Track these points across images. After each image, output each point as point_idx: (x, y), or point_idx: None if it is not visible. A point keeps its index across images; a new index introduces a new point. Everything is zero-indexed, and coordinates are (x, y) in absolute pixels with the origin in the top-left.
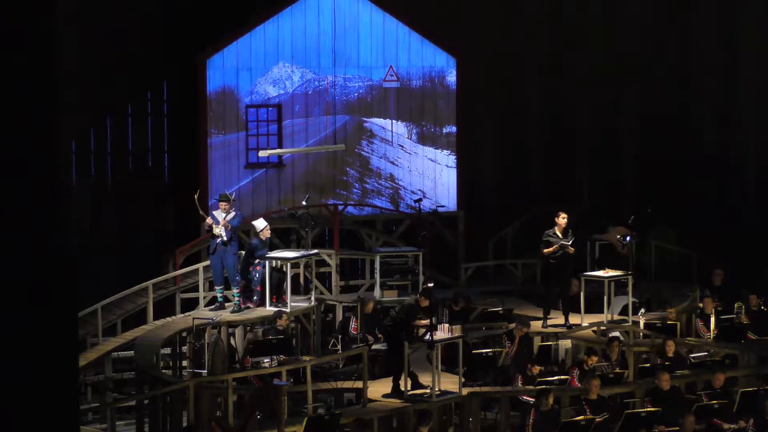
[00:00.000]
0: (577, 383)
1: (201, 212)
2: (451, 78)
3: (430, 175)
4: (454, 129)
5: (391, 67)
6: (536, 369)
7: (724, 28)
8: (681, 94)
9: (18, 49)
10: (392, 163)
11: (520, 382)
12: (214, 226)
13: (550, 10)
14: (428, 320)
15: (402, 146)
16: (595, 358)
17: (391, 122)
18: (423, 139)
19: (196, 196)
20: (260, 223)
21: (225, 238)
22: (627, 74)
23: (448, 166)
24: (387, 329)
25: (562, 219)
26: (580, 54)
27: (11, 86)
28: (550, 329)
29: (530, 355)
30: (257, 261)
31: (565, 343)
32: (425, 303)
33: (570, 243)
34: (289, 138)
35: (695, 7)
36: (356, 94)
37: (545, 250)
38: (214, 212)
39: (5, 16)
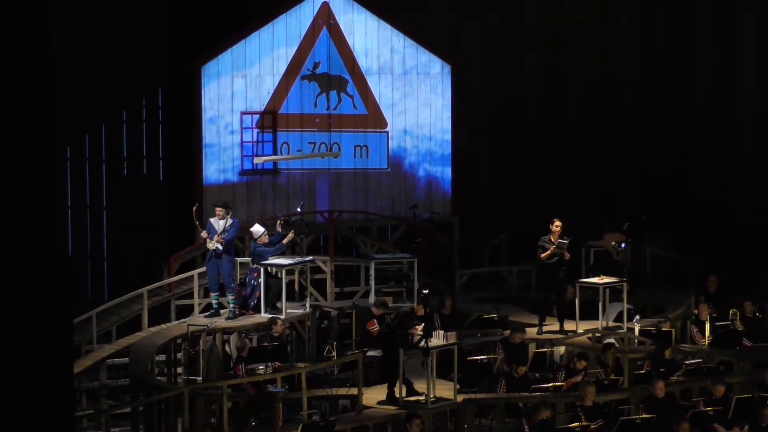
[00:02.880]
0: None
1: (197, 224)
2: (446, 84)
3: (426, 181)
4: (449, 135)
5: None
6: (522, 369)
7: (723, 34)
8: (677, 103)
9: (13, 56)
10: (388, 169)
11: (503, 387)
12: (208, 240)
13: (546, 18)
14: (422, 327)
15: (397, 152)
16: (584, 363)
17: (387, 129)
18: (419, 146)
19: (194, 209)
20: (258, 229)
21: (218, 252)
22: (623, 81)
23: (443, 173)
24: (381, 336)
25: (556, 227)
26: (576, 62)
27: (7, 95)
28: (545, 336)
29: (524, 361)
30: (255, 267)
31: (559, 350)
32: (421, 312)
33: (567, 243)
34: (284, 145)
35: (695, 8)
36: (351, 101)
37: (542, 255)
38: (210, 219)
39: (1, 25)
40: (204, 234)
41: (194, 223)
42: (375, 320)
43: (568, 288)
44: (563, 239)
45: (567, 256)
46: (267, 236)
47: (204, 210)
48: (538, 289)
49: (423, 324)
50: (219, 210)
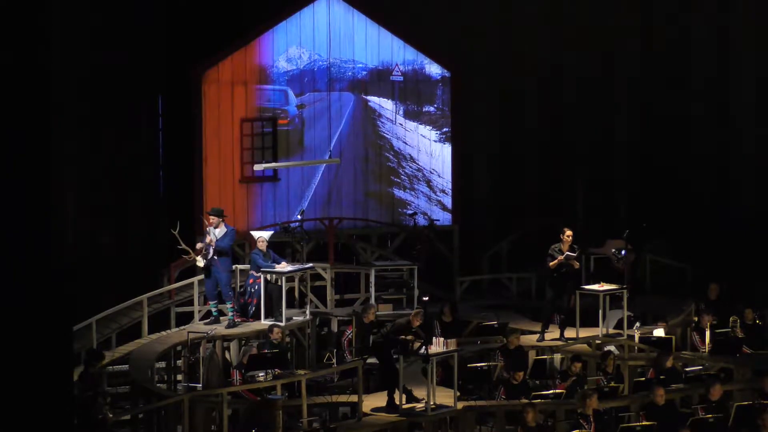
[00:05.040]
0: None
1: (183, 246)
2: (446, 91)
3: (425, 187)
4: (448, 141)
5: (397, 64)
6: (519, 375)
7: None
8: (678, 110)
9: (15, 64)
10: (389, 177)
11: (502, 395)
12: (197, 258)
13: (546, 30)
14: (421, 336)
15: (397, 161)
16: (578, 365)
17: (386, 136)
18: (419, 152)
19: (175, 232)
20: (257, 234)
21: (210, 261)
22: (624, 89)
23: (441, 177)
24: (376, 345)
25: (567, 236)
26: (576, 70)
27: (7, 102)
28: (545, 343)
29: (524, 368)
30: (253, 274)
31: (558, 357)
32: (417, 323)
33: (575, 255)
34: (285, 152)
35: (695, 7)
36: (351, 108)
37: (550, 264)
38: (208, 228)
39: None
40: (191, 251)
41: (182, 247)
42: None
43: (571, 296)
44: (571, 251)
45: (576, 265)
46: (265, 243)
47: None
48: (544, 297)
49: (422, 340)
50: (212, 219)
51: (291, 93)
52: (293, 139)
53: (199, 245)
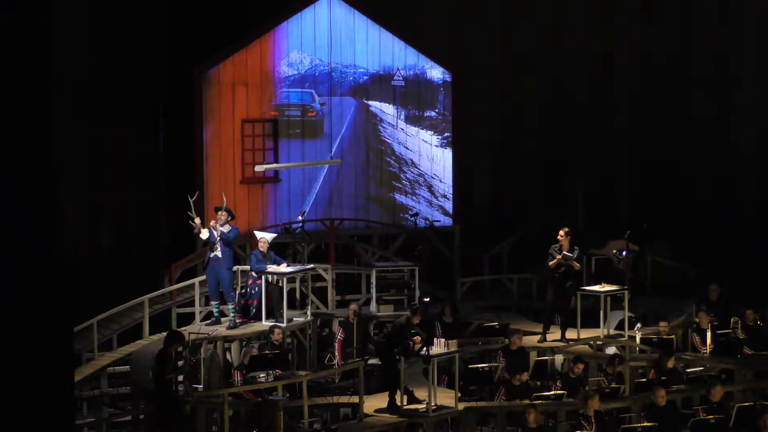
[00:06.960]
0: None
1: (193, 214)
2: (447, 96)
3: (426, 192)
4: (450, 142)
5: (398, 69)
6: (524, 376)
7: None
8: (679, 111)
9: (12, 65)
10: (390, 182)
11: (502, 396)
12: (201, 230)
13: (547, 33)
14: (423, 336)
15: (399, 166)
16: (581, 366)
17: (388, 140)
18: (420, 159)
19: (192, 200)
20: (259, 234)
21: (212, 240)
22: (623, 89)
23: (443, 182)
24: (380, 346)
25: (560, 236)
26: (576, 72)
27: (7, 103)
28: (546, 344)
29: (525, 369)
30: (253, 275)
31: (559, 358)
32: (417, 320)
33: (574, 257)
34: (286, 153)
35: (695, 8)
36: (352, 113)
37: (550, 264)
38: (210, 227)
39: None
40: (197, 220)
41: (190, 214)
42: (342, 328)
43: (572, 297)
44: (569, 252)
45: (576, 266)
46: (266, 244)
47: (205, 212)
48: (544, 298)
49: (422, 336)
50: (221, 214)
51: (315, 93)
52: (317, 127)
53: (198, 220)
